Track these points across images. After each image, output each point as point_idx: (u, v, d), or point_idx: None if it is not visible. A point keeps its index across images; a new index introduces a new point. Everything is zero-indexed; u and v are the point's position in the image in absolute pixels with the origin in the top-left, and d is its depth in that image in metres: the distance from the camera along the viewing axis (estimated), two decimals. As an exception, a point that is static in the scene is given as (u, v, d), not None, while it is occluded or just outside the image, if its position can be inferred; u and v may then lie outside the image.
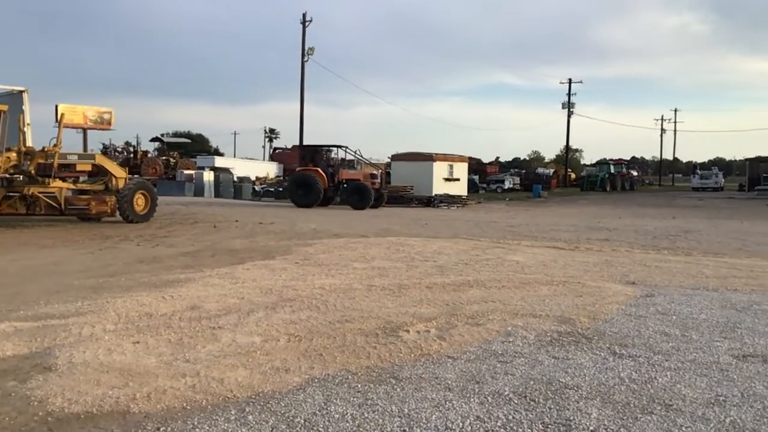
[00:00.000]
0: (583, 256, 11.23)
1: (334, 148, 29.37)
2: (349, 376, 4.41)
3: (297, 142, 43.77)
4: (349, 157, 31.45)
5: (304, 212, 23.99)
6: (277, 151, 66.56)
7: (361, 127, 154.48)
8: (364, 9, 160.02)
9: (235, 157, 70.37)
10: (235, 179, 41.32)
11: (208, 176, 39.25)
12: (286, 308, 6.51)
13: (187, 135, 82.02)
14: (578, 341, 5.35)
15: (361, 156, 32.39)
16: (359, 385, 4.22)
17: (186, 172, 40.68)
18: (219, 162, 50.31)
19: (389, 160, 38.72)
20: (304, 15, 41.30)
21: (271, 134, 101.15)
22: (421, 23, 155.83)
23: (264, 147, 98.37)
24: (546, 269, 9.52)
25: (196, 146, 75.16)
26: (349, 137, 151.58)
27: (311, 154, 28.71)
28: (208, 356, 4.84)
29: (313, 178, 26.77)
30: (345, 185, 27.20)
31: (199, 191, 37.66)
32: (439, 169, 34.56)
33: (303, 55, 40.99)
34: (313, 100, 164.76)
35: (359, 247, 11.93)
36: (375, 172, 28.97)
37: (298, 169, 29.87)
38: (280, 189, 40.62)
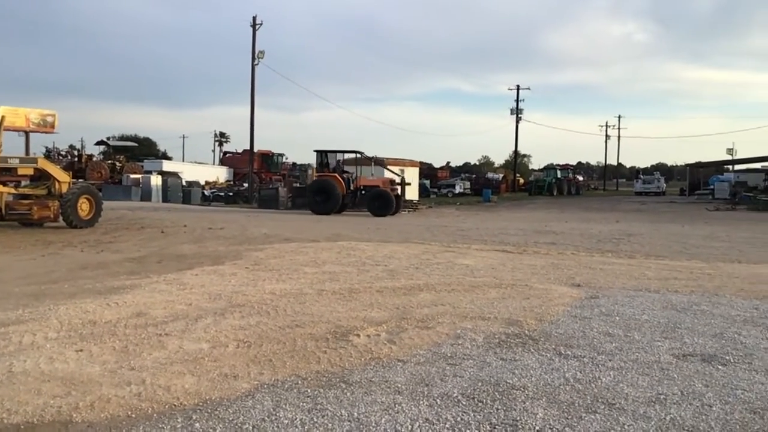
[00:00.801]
0: (530, 260, 11.44)
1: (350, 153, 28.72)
2: (299, 382, 4.39)
3: (248, 146, 43.39)
4: (365, 162, 31.10)
5: (256, 217, 23.76)
6: (227, 155, 65.80)
7: (313, 132, 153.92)
8: (317, 14, 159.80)
9: (184, 161, 69.15)
10: (184, 184, 40.65)
11: (156, 180, 38.49)
12: (235, 314, 6.44)
13: (134, 138, 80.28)
14: (525, 343, 5.45)
15: (379, 162, 31.35)
16: (309, 390, 4.21)
17: (132, 176, 39.80)
18: (167, 166, 49.38)
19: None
20: (254, 18, 40.95)
21: (222, 138, 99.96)
22: (374, 29, 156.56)
23: (214, 151, 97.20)
24: (495, 272, 9.66)
25: (143, 150, 73.69)
26: (301, 142, 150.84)
27: (327, 160, 27.81)
28: (154, 364, 4.75)
29: (331, 185, 25.98)
30: (363, 192, 26.35)
31: (146, 196, 36.90)
32: (390, 174, 34.64)
33: (253, 59, 40.60)
34: (265, 104, 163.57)
35: (310, 252, 11.88)
36: (395, 178, 28.26)
37: (315, 175, 29.07)
38: (231, 193, 40.16)
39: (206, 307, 6.75)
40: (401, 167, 35.97)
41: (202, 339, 5.47)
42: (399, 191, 26.77)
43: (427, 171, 60.26)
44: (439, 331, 5.82)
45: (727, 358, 5.04)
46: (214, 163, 72.92)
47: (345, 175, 26.72)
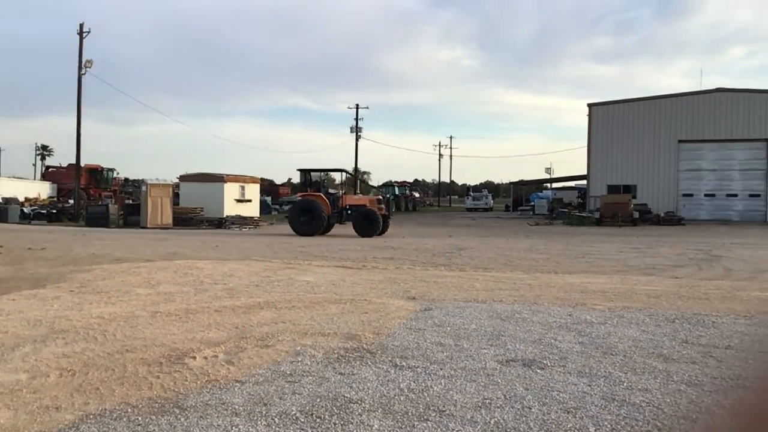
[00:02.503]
0: (369, 275, 11.73)
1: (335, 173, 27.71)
2: (129, 410, 4.19)
3: (74, 161, 40.40)
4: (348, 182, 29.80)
5: (84, 236, 22.19)
6: (50, 169, 60.74)
7: (148, 146, 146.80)
8: (153, 26, 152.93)
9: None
10: (0, 200, 37.04)
11: (-36, 197, 34.73)
12: (58, 341, 5.99)
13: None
14: (363, 356, 5.59)
15: (366, 180, 30.52)
16: (140, 418, 4.03)
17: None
18: (-22, 180, 44.71)
19: (178, 180, 37.22)
20: (81, 25, 38.40)
21: (44, 151, 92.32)
22: (213, 43, 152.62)
23: (35, 165, 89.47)
24: (335, 288, 9.79)
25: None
26: (135, 156, 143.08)
27: (311, 179, 26.31)
28: (-39, 400, 4.31)
29: (317, 205, 24.55)
30: (349, 211, 25.17)
31: (-47, 214, 33.14)
32: (231, 190, 34.04)
33: (80, 68, 38.04)
34: (95, 116, 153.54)
35: (143, 272, 11.33)
36: (380, 197, 27.29)
37: (299, 194, 27.35)
38: (54, 211, 37.17)
39: (24, 335, 6.22)
40: (242, 183, 35.41)
41: (19, 369, 5.04)
42: (385, 210, 25.74)
43: (268, 187, 59.69)
44: (279, 348, 5.81)
45: (545, 362, 5.50)
46: (35, 178, 67.03)
47: (330, 195, 25.64)
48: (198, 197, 33.26)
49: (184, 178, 36.34)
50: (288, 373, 5.07)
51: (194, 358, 5.45)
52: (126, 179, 55.29)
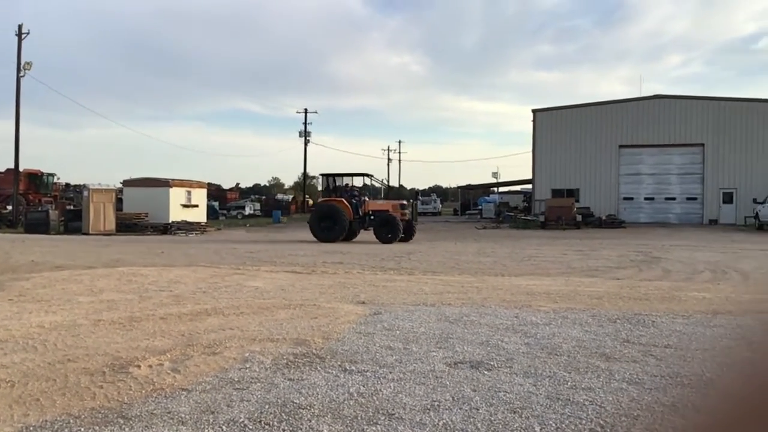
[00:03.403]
0: (319, 279, 11.70)
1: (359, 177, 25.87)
2: (71, 421, 4.08)
3: (12, 165, 39.03)
4: (376, 186, 27.52)
5: (22, 242, 21.44)
6: (-15, 175, 58.52)
7: (91, 151, 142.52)
8: (96, 29, 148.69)
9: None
10: (-71, 207, 35.51)
11: None
12: (-6, 352, 5.78)
13: None
14: (312, 361, 5.58)
15: (388, 185, 28.28)
16: (82, 429, 3.93)
17: None
18: None
19: (121, 185, 36.35)
20: (20, 27, 37.21)
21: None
22: (157, 46, 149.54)
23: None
24: (284, 293, 9.73)
25: None
26: (77, 161, 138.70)
27: (334, 184, 25.12)
28: None
29: (338, 210, 23.64)
30: (372, 217, 24.02)
31: None
32: (176, 195, 33.49)
33: (19, 70, 36.86)
34: (35, 119, 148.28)
35: (86, 280, 11.02)
36: (404, 202, 25.68)
37: (320, 199, 26.12)
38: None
39: (-42, 347, 5.98)
40: (188, 188, 34.86)
41: (-48, 383, 4.84)
42: (409, 216, 24.53)
43: (215, 192, 58.90)
44: (227, 356, 5.74)
45: (492, 363, 5.58)
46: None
47: (354, 200, 24.44)
48: (142, 202, 32.59)
49: (127, 183, 35.56)
50: (236, 380, 5.01)
51: (139, 366, 5.34)
52: (67, 184, 53.66)
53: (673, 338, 6.61)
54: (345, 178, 25.66)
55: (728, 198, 39.99)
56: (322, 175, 25.99)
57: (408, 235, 24.15)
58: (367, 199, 25.13)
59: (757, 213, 33.02)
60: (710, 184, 40.51)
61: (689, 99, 41.93)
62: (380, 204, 25.12)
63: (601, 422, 4.13)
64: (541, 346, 6.24)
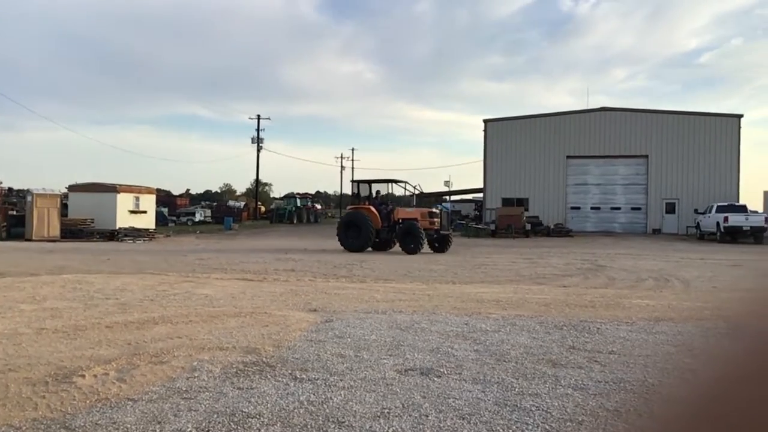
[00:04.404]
0: (270, 287, 11.61)
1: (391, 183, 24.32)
2: (11, 433, 3.96)
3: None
4: (409, 192, 25.73)
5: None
6: None
7: (35, 154, 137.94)
8: (41, 29, 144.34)
9: None
10: None
11: None
12: (-71, 363, 5.56)
13: None
14: (263, 370, 5.54)
15: (421, 191, 26.42)
16: (23, 441, 3.82)
17: None
18: None
19: (66, 190, 35.37)
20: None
21: None
22: (105, 48, 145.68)
23: None
24: (235, 301, 9.63)
25: None
26: (20, 164, 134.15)
27: (364, 190, 23.71)
28: None
29: (364, 218, 22.35)
30: (401, 226, 22.47)
31: None
32: (124, 200, 32.80)
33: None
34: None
35: (28, 287, 10.69)
36: (434, 210, 24.02)
37: (349, 207, 24.62)
38: None
39: None
40: (136, 194, 34.16)
41: None
42: (438, 224, 22.72)
43: (165, 198, 57.83)
44: (175, 365, 5.65)
45: (442, 370, 5.65)
46: None
47: (383, 207, 23.08)
48: (88, 208, 31.82)
49: (73, 188, 34.65)
50: (183, 389, 4.94)
51: (83, 376, 5.21)
52: (9, 189, 51.87)
53: (617, 345, 6.79)
54: (376, 185, 24.33)
55: (671, 208, 41.34)
56: (353, 181, 24.84)
57: (442, 246, 22.78)
58: (396, 207, 23.85)
59: (698, 223, 34.24)
60: (654, 194, 41.81)
61: (634, 112, 43.22)
62: (409, 212, 23.56)
63: (547, 427, 4.22)
64: (490, 352, 6.33)
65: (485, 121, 45.53)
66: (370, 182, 24.39)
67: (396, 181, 24.80)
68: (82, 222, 31.28)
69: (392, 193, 25.15)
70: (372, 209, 22.90)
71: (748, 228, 30.24)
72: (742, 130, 40.93)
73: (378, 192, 23.95)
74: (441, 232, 22.66)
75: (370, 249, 22.66)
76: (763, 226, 30.19)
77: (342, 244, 22.89)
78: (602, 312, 8.97)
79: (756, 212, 32.30)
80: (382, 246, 23.08)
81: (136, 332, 7.07)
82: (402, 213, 23.21)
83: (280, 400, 4.69)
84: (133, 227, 31.93)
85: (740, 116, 41.32)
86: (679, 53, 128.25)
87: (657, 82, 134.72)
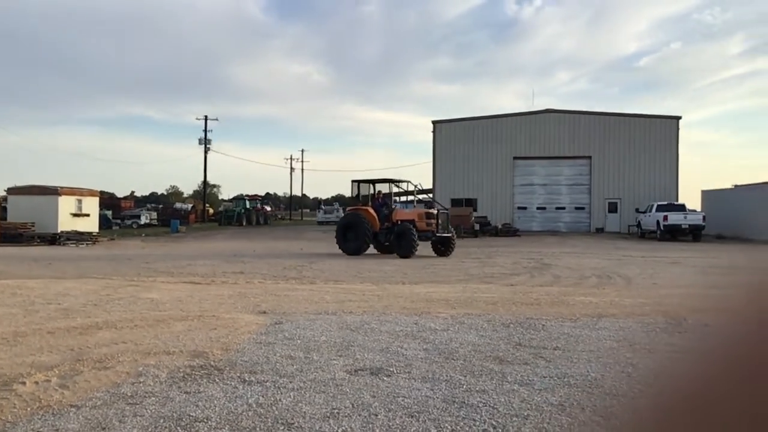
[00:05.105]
0: (218, 290, 11.47)
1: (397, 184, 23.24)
2: (-53, 444, 3.82)
3: None
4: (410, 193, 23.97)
5: None
6: None
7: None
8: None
9: None
10: None
11: None
12: None
13: None
14: (210, 374, 5.48)
15: (423, 190, 24.90)
16: (-41, 453, 3.69)
17: None
18: None
19: (5, 193, 34.15)
20: None
21: None
22: (42, 45, 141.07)
23: None
24: (182, 305, 9.48)
25: None
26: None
27: (363, 191, 22.72)
28: None
29: (360, 219, 21.36)
30: (397, 227, 21.31)
31: None
32: (66, 203, 31.89)
33: None
34: None
35: (-38, 294, 10.29)
36: (432, 211, 22.35)
37: (348, 209, 23.31)
38: None
39: None
40: (79, 197, 33.24)
41: None
42: (435, 225, 21.39)
43: (108, 201, 56.43)
44: (119, 370, 5.54)
45: (392, 369, 5.69)
46: None
47: (384, 209, 22.11)
48: (28, 211, 30.82)
49: (12, 190, 33.49)
50: (129, 395, 4.85)
51: (24, 383, 5.06)
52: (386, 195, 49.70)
53: (562, 341, 6.97)
54: (378, 185, 23.24)
55: (613, 207, 42.53)
56: (353, 181, 23.63)
57: (446, 248, 21.61)
58: (397, 207, 23.07)
59: (639, 222, 35.32)
60: (597, 194, 42.94)
61: (578, 114, 44.29)
62: (406, 213, 22.37)
63: (494, 423, 4.31)
64: (439, 351, 6.41)
65: (434, 123, 45.93)
66: (370, 182, 23.40)
67: (397, 181, 24.03)
68: (22, 226, 30.25)
69: (413, 191, 24.33)
70: (370, 210, 21.99)
71: (687, 226, 31.35)
72: (680, 132, 42.45)
73: (379, 192, 23.02)
74: (441, 234, 21.46)
75: (377, 252, 21.94)
76: (700, 224, 31.34)
77: (340, 248, 21.98)
78: (547, 309, 9.18)
79: (694, 211, 33.49)
80: (389, 248, 21.70)
81: (79, 338, 6.89)
82: (400, 214, 22.29)
83: (228, 404, 4.65)
84: (75, 231, 31.05)
85: (679, 118, 42.82)
86: (620, 57, 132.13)
87: (599, 84, 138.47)
